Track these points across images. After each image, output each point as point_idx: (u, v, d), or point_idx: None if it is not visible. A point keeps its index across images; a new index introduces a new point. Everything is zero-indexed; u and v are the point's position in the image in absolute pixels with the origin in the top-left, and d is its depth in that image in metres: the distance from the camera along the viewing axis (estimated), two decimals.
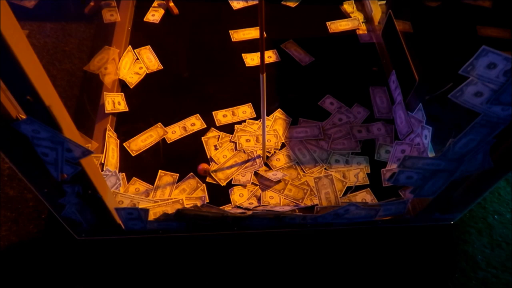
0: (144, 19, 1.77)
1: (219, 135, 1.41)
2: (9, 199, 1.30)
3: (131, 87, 1.53)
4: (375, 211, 1.16)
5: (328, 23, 1.77)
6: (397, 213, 1.18)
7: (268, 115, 1.45)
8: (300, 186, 1.29)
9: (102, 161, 1.30)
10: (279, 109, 1.48)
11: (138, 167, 1.33)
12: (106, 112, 1.41)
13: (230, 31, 1.72)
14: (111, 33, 1.65)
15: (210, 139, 1.40)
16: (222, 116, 1.45)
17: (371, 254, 1.22)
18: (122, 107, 1.46)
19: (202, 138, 1.40)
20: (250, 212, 1.15)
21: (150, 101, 1.51)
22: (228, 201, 1.26)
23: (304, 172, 1.32)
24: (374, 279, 1.18)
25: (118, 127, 1.43)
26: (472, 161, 0.91)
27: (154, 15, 1.78)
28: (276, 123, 1.44)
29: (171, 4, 1.77)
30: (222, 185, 1.29)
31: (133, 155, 1.35)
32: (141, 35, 1.71)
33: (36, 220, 1.26)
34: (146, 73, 1.58)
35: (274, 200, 1.26)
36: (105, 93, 1.44)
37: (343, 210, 1.12)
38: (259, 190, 1.28)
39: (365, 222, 1.21)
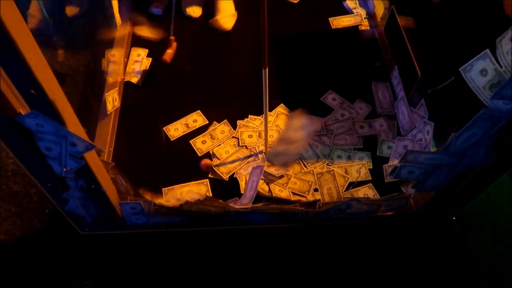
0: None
1: (221, 131, 1.41)
2: (13, 194, 1.31)
3: (135, 83, 1.54)
4: (377, 206, 1.16)
5: (330, 19, 1.76)
6: (399, 208, 1.19)
7: (270, 110, 1.45)
8: (304, 179, 1.30)
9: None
10: (281, 104, 1.48)
11: (144, 168, 1.34)
12: (108, 113, 1.41)
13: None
14: (114, 27, 1.66)
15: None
16: (174, 130, 1.42)
17: (373, 248, 1.22)
18: (118, 103, 1.46)
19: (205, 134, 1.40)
20: (249, 206, 1.16)
21: (152, 96, 1.52)
22: (230, 195, 1.26)
23: (306, 167, 1.33)
24: (376, 273, 1.18)
25: (121, 123, 1.44)
26: (474, 156, 0.91)
27: (157, 6, 1.78)
28: (278, 119, 1.44)
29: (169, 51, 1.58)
30: (225, 179, 1.30)
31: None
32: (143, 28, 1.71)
33: (40, 215, 1.27)
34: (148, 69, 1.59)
35: (284, 193, 1.27)
36: (106, 94, 1.43)
37: (345, 205, 1.12)
38: (265, 183, 1.29)
39: (367, 217, 1.21)
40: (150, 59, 1.60)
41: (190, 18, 1.74)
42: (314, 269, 1.18)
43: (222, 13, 1.68)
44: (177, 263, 1.19)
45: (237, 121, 1.43)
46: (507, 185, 1.35)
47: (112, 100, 1.43)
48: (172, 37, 1.55)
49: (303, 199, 1.25)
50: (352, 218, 1.21)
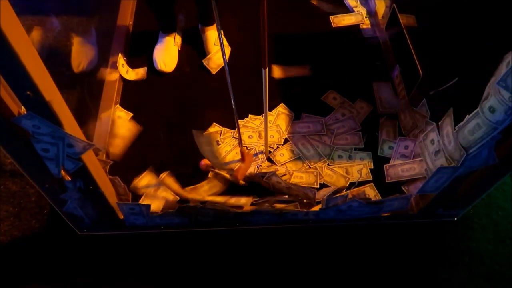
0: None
1: (221, 131, 1.40)
2: (12, 194, 1.30)
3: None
4: (377, 207, 1.15)
5: (331, 17, 1.75)
6: (399, 209, 1.18)
7: (270, 110, 1.44)
8: (309, 171, 1.29)
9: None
10: (282, 103, 1.47)
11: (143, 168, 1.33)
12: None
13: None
14: (112, 29, 1.65)
15: (212, 135, 1.39)
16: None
17: (374, 250, 1.21)
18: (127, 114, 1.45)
19: (204, 133, 1.39)
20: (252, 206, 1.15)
21: (152, 96, 1.51)
22: (231, 193, 1.26)
23: (309, 167, 1.32)
24: (377, 274, 1.18)
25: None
26: (476, 157, 0.90)
27: None
28: (279, 118, 1.43)
29: None
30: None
31: None
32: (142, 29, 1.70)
33: (39, 215, 1.26)
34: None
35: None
36: (114, 115, 1.40)
37: (346, 206, 1.11)
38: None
39: (368, 218, 1.20)
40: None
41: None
42: (315, 270, 1.18)
43: (213, 50, 1.59)
44: (176, 264, 1.18)
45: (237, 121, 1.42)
46: (508, 185, 1.34)
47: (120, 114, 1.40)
48: (244, 148, 1.31)
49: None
50: (352, 219, 1.20)
